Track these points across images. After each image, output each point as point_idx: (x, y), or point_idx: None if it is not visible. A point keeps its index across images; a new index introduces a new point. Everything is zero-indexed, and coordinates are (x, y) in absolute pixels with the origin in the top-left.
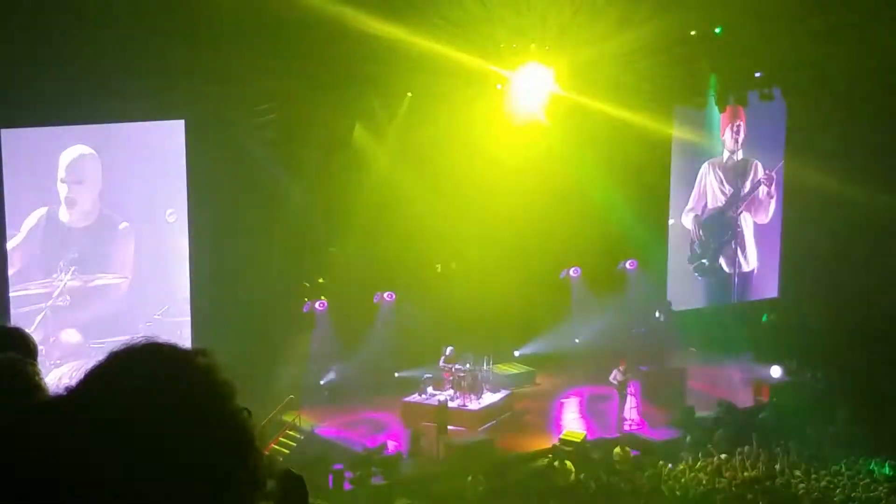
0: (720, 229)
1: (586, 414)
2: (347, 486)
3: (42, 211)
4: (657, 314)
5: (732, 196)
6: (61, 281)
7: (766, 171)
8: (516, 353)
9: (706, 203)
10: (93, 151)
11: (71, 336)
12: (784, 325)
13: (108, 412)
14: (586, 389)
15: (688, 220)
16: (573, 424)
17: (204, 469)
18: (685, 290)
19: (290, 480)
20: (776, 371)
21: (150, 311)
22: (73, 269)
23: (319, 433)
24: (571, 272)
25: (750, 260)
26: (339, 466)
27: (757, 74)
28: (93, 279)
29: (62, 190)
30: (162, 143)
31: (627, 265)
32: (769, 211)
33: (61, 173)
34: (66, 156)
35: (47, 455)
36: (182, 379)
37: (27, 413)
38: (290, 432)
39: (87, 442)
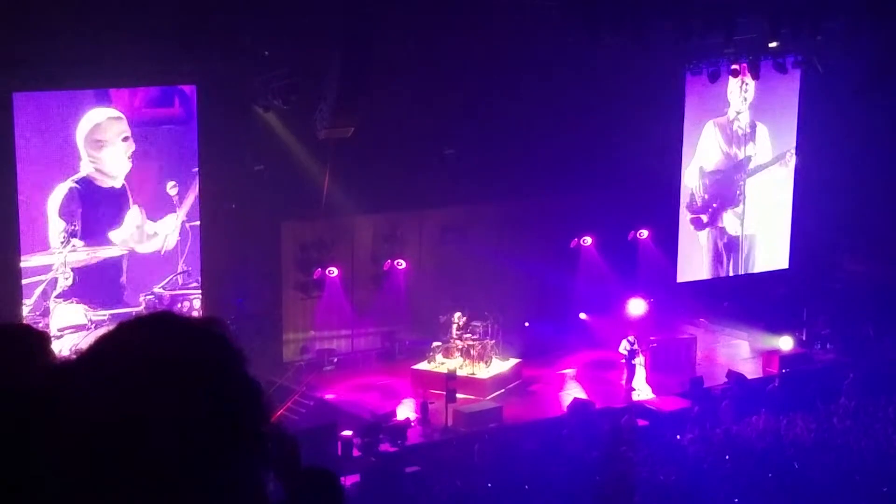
0: (725, 191)
1: (595, 383)
2: (356, 454)
3: (59, 182)
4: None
5: (736, 159)
6: (62, 252)
7: (779, 153)
8: (526, 324)
9: (708, 160)
10: (120, 114)
11: (71, 308)
12: (794, 295)
13: (118, 376)
14: (593, 358)
15: (690, 176)
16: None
17: (213, 437)
18: (695, 260)
19: (282, 444)
20: (786, 342)
21: (151, 283)
22: (73, 240)
23: (328, 400)
24: (583, 241)
25: (752, 224)
26: (347, 433)
27: (772, 44)
28: (94, 251)
29: (83, 156)
30: (173, 110)
31: (639, 235)
32: (781, 180)
33: (80, 139)
34: (88, 120)
35: (56, 418)
36: (194, 346)
37: (37, 376)
38: (300, 399)
39: (95, 405)
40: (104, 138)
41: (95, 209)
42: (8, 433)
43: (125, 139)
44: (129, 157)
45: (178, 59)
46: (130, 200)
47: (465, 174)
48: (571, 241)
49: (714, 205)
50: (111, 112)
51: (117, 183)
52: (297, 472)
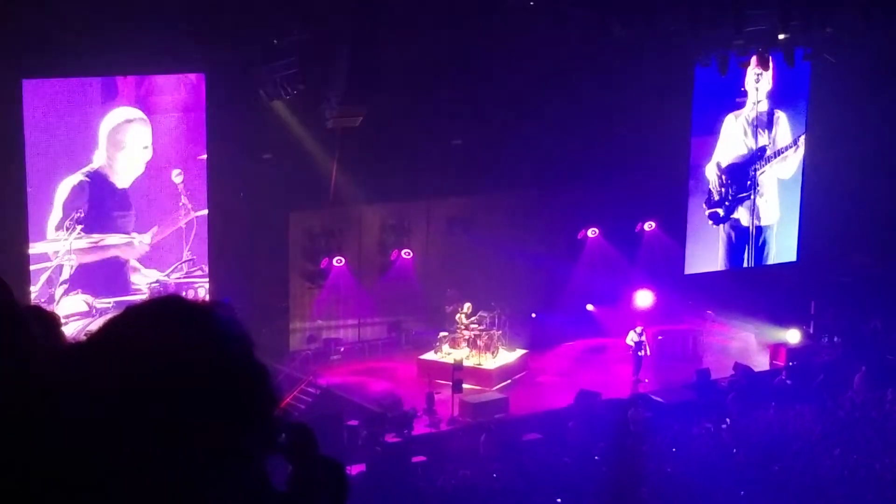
0: (740, 182)
1: (602, 373)
2: (362, 443)
3: (67, 173)
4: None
5: (756, 149)
6: (67, 240)
7: (796, 137)
8: (533, 315)
9: (728, 154)
10: (143, 116)
11: (76, 296)
12: (802, 288)
13: (124, 359)
14: (599, 347)
15: (710, 171)
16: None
17: (218, 419)
18: (703, 252)
19: (298, 433)
20: (794, 335)
21: (157, 271)
22: (79, 227)
23: (335, 390)
24: (590, 233)
25: (771, 213)
26: (354, 423)
27: (781, 36)
28: (99, 239)
29: (101, 148)
30: (179, 98)
31: (647, 226)
32: (793, 167)
33: (104, 133)
34: (110, 120)
35: (60, 401)
36: (200, 329)
37: (48, 358)
38: (306, 388)
39: (104, 387)
40: (126, 140)
41: (102, 202)
42: (10, 420)
43: (145, 148)
44: (143, 163)
45: (186, 47)
46: (132, 205)
47: (472, 165)
48: (578, 233)
49: (730, 198)
50: (136, 113)
51: (125, 183)
52: (313, 459)
